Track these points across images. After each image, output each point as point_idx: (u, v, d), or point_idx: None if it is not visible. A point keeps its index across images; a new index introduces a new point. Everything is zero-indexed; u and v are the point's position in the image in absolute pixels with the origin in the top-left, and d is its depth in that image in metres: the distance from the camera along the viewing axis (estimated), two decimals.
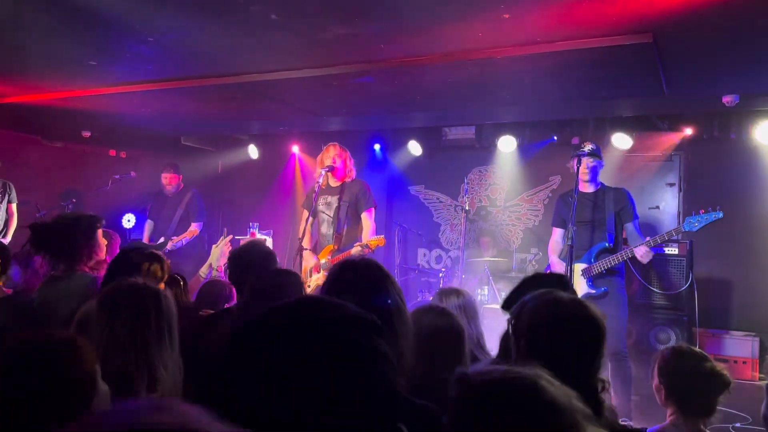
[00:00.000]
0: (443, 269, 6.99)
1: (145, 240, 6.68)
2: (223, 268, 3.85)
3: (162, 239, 6.38)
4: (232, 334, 0.90)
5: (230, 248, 3.78)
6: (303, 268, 4.88)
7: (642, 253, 4.36)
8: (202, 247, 6.75)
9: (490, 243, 7.41)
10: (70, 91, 5.67)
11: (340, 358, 0.83)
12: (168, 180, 6.71)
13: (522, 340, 1.70)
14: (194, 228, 6.58)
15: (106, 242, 3.27)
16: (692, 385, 2.33)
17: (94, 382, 1.48)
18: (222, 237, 3.95)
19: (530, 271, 6.98)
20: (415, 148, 7.48)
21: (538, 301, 1.75)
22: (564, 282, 2.05)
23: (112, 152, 8.54)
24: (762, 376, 5.63)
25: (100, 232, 3.16)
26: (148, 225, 6.80)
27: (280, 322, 0.87)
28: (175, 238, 6.42)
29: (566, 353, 1.63)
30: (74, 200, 6.49)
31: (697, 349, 2.49)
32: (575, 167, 4.56)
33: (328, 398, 0.80)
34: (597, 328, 1.69)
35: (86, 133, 7.53)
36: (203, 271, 3.76)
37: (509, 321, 1.78)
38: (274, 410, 0.79)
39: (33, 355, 1.42)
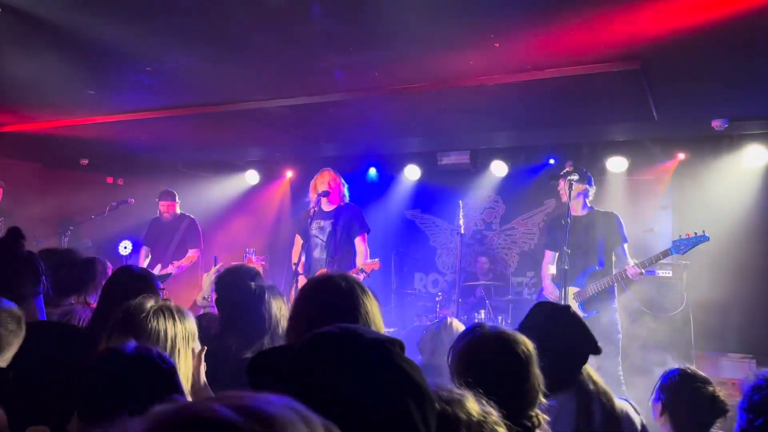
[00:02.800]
0: (440, 293, 7.00)
1: (141, 265, 6.67)
2: (210, 301, 3.86)
3: (166, 269, 6.37)
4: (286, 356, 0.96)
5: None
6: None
7: (632, 272, 4.42)
8: (196, 273, 6.75)
9: (486, 266, 7.43)
10: (68, 119, 5.74)
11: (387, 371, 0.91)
12: (165, 208, 6.73)
13: (452, 377, 1.75)
14: (192, 254, 6.59)
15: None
16: (690, 407, 2.36)
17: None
18: (214, 266, 3.96)
19: (526, 294, 7.00)
20: (410, 172, 7.54)
21: (462, 341, 1.78)
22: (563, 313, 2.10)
23: (110, 179, 8.58)
24: None
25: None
26: (144, 251, 6.79)
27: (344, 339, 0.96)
28: (175, 262, 6.42)
29: (487, 390, 1.60)
30: (71, 228, 6.50)
31: (700, 372, 2.52)
32: (566, 191, 4.62)
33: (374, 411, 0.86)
34: (516, 361, 1.69)
35: (84, 161, 7.59)
36: (199, 299, 3.76)
37: (447, 359, 1.83)
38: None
39: None
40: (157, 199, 6.77)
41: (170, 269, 6.24)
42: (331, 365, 0.90)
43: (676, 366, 2.56)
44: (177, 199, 6.81)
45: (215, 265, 3.97)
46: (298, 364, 0.92)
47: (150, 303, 1.97)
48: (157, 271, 6.31)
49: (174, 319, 1.97)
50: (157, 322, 1.92)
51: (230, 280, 2.78)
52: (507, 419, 1.57)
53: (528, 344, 1.74)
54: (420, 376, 0.93)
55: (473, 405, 1.31)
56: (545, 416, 1.72)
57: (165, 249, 6.64)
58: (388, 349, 0.94)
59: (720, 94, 4.63)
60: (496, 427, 1.31)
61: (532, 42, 3.62)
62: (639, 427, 2.27)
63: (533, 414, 1.68)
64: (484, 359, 1.71)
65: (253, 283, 2.70)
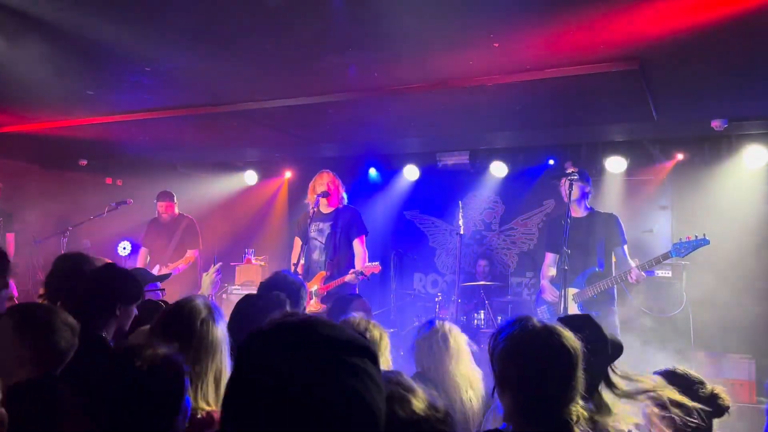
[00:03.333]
0: (439, 294, 7.00)
1: (139, 266, 6.65)
2: (214, 297, 3.86)
3: (165, 269, 6.36)
4: (239, 345, 0.95)
5: (220, 276, 3.79)
6: None
7: (635, 275, 4.41)
8: (195, 273, 6.73)
9: (486, 267, 7.43)
10: (67, 120, 5.73)
11: (328, 375, 0.86)
12: (163, 209, 6.72)
13: (495, 369, 1.74)
14: (190, 255, 6.58)
15: None
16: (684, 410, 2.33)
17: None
18: (212, 265, 3.95)
19: (525, 295, 7.00)
20: (409, 173, 7.54)
21: (509, 330, 1.77)
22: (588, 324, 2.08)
23: (109, 180, 8.58)
24: (761, 399, 5.61)
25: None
26: (143, 252, 6.77)
27: (282, 338, 0.92)
28: (170, 264, 6.42)
29: (532, 384, 1.64)
30: (70, 228, 6.49)
31: (692, 372, 2.49)
32: (564, 192, 4.62)
33: (313, 411, 0.83)
34: (568, 357, 1.68)
35: (83, 162, 7.58)
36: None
37: (488, 350, 1.80)
38: (261, 417, 0.84)
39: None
40: (155, 200, 6.77)
41: (167, 270, 6.23)
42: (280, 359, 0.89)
43: (665, 368, 2.53)
44: (175, 200, 6.80)
45: (214, 265, 3.96)
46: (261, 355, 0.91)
47: None
48: (155, 271, 6.29)
49: None
50: None
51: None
52: (547, 410, 1.60)
53: (575, 340, 1.73)
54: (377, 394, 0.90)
55: (419, 403, 1.31)
56: (585, 413, 1.71)
57: (164, 250, 6.63)
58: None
59: (719, 94, 4.63)
60: (439, 426, 1.31)
61: (532, 42, 3.62)
62: None
63: (574, 410, 1.67)
64: (533, 351, 1.70)
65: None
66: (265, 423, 0.83)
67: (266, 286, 3.20)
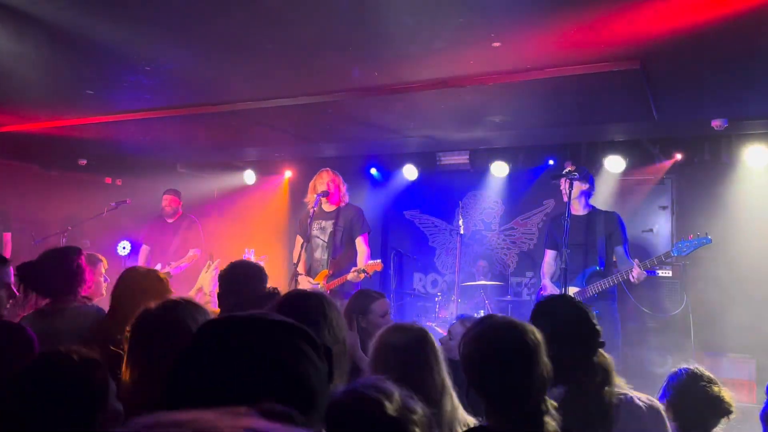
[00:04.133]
0: (439, 293, 6.99)
1: (140, 264, 6.62)
2: (216, 293, 3.86)
3: (165, 269, 6.32)
4: (194, 333, 1.05)
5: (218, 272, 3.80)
6: None
7: (637, 274, 4.41)
8: (198, 272, 6.72)
9: (486, 267, 7.43)
10: (67, 119, 5.72)
11: (267, 353, 0.96)
12: (168, 202, 6.67)
13: (463, 369, 1.81)
14: (193, 254, 6.53)
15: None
16: (695, 406, 2.38)
17: (104, 399, 1.56)
18: (209, 262, 3.95)
19: (525, 295, 7.00)
20: (409, 172, 7.54)
21: (473, 331, 1.84)
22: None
23: (108, 180, 8.56)
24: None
25: (83, 261, 3.15)
26: (144, 250, 6.74)
27: (229, 325, 1.03)
28: (173, 263, 6.39)
29: (496, 380, 1.71)
30: (70, 228, 6.48)
31: (707, 372, 2.53)
32: (566, 190, 4.62)
33: (252, 388, 0.92)
34: (527, 351, 1.73)
35: (82, 161, 7.57)
36: (192, 293, 3.77)
37: (458, 348, 1.87)
38: (206, 393, 0.91)
39: (54, 369, 1.54)
40: (161, 195, 6.75)
41: (170, 269, 6.21)
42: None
43: (685, 365, 2.58)
44: (180, 197, 6.78)
45: (212, 262, 3.96)
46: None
47: None
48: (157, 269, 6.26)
49: None
50: None
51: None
52: (515, 404, 1.67)
53: (536, 333, 1.78)
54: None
55: (391, 405, 1.37)
56: (554, 402, 1.76)
57: (166, 248, 6.59)
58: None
59: (720, 94, 4.63)
60: (413, 427, 1.37)
61: (533, 42, 3.61)
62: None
63: (542, 400, 1.72)
64: (494, 347, 1.76)
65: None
66: (209, 388, 0.92)
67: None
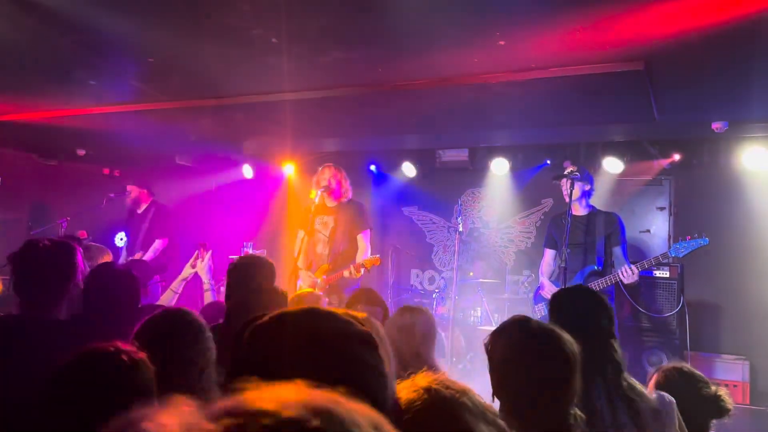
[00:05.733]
0: (436, 290, 7.01)
1: (123, 257, 6.50)
2: (211, 284, 3.87)
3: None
4: (236, 334, 0.98)
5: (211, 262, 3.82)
6: (299, 287, 4.89)
7: (626, 275, 4.45)
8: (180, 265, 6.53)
9: (483, 264, 7.45)
10: (67, 109, 5.70)
11: (333, 368, 0.88)
12: (133, 195, 6.46)
13: (491, 368, 1.74)
14: (157, 245, 6.31)
15: None
16: (691, 407, 2.34)
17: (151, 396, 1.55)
18: (196, 252, 3.93)
19: (522, 293, 7.02)
20: (408, 169, 7.54)
21: (507, 332, 1.77)
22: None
23: (106, 170, 8.54)
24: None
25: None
26: (125, 241, 6.62)
27: (281, 329, 0.94)
28: (137, 255, 6.24)
29: (529, 387, 1.64)
30: (68, 218, 6.44)
31: (697, 372, 2.51)
32: (567, 190, 4.64)
33: None
34: (565, 362, 1.68)
35: (81, 152, 7.54)
36: (174, 285, 3.78)
37: (485, 348, 1.79)
38: None
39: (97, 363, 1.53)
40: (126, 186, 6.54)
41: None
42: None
43: (671, 364, 2.55)
44: (145, 186, 6.52)
45: (206, 251, 3.94)
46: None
47: None
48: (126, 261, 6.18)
49: None
50: None
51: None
52: (544, 415, 1.62)
53: (574, 345, 1.72)
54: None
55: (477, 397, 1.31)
56: (582, 414, 1.70)
57: (135, 238, 6.40)
58: None
59: (722, 96, 4.65)
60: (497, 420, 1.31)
61: (538, 41, 3.62)
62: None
63: (573, 412, 1.67)
64: (531, 354, 1.70)
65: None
66: None
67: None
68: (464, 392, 1.13)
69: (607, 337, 2.20)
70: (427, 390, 1.10)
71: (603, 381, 2.10)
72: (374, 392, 0.90)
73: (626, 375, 2.23)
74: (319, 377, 0.83)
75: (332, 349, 0.91)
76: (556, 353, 1.68)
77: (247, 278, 2.93)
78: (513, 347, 1.73)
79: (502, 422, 1.14)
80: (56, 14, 3.45)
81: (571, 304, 2.27)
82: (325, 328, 0.94)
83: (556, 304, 2.33)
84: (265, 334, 0.95)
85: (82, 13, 3.47)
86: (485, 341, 1.80)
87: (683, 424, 2.21)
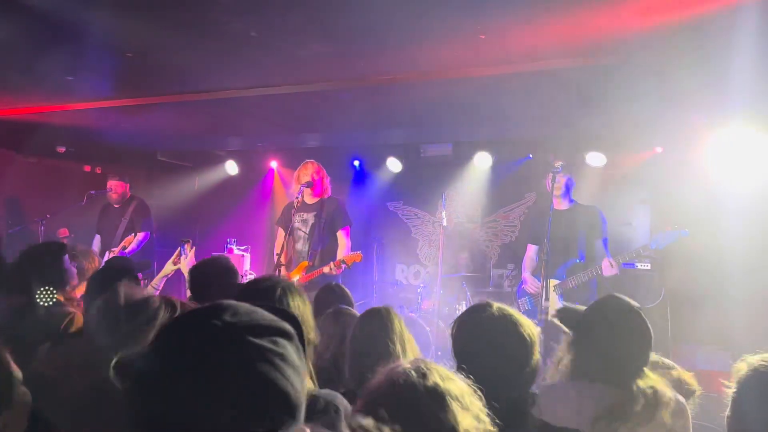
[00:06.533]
0: (421, 285, 7.02)
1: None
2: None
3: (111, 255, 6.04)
4: (157, 332, 0.94)
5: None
6: None
7: (606, 268, 4.49)
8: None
9: (468, 259, 7.47)
10: (46, 105, 5.63)
11: (242, 361, 0.85)
12: (113, 188, 6.29)
13: (454, 353, 1.83)
14: (140, 237, 6.19)
15: None
16: None
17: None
18: (179, 249, 3.88)
19: (506, 287, 7.06)
20: (393, 164, 7.54)
21: (467, 317, 1.87)
22: None
23: (87, 168, 8.44)
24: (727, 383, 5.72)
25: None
26: (97, 240, 6.41)
27: (196, 322, 0.91)
28: (114, 249, 6.14)
29: (487, 368, 1.69)
30: (48, 216, 6.35)
31: (662, 359, 2.54)
32: (549, 184, 4.66)
33: (223, 397, 0.82)
34: (522, 341, 1.76)
35: (61, 148, 7.44)
36: (155, 282, 3.74)
37: (450, 334, 1.88)
38: (167, 405, 0.82)
39: None
40: (107, 180, 6.39)
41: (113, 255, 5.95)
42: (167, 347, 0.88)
43: None
44: (127, 180, 6.40)
45: (191, 248, 3.90)
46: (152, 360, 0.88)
47: None
48: (105, 258, 6.09)
49: None
50: None
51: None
52: (502, 394, 1.65)
53: (532, 327, 1.82)
54: (281, 376, 0.87)
55: (467, 419, 1.33)
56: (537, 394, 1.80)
57: (113, 234, 6.25)
58: (242, 337, 0.88)
59: (699, 89, 4.69)
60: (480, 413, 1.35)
61: (518, 35, 3.63)
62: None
63: (528, 392, 1.76)
64: (489, 337, 1.78)
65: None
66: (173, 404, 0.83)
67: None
68: None
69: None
70: None
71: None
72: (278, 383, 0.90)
73: None
74: None
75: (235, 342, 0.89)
76: (514, 335, 1.76)
77: (210, 279, 2.90)
78: (471, 330, 1.83)
79: None
80: (32, 8, 3.40)
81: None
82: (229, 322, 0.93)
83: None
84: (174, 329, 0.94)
85: (58, 7, 3.42)
86: (449, 329, 1.88)
87: None
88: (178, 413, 0.82)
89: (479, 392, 1.41)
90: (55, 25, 3.63)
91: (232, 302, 0.94)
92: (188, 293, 3.03)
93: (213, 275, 2.93)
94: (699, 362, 5.81)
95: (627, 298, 2.25)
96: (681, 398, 2.26)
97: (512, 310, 1.87)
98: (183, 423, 0.82)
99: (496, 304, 1.88)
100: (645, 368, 2.15)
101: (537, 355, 1.78)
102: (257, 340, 0.87)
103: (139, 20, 3.60)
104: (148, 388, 0.84)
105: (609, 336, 2.12)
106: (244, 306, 0.93)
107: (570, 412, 1.98)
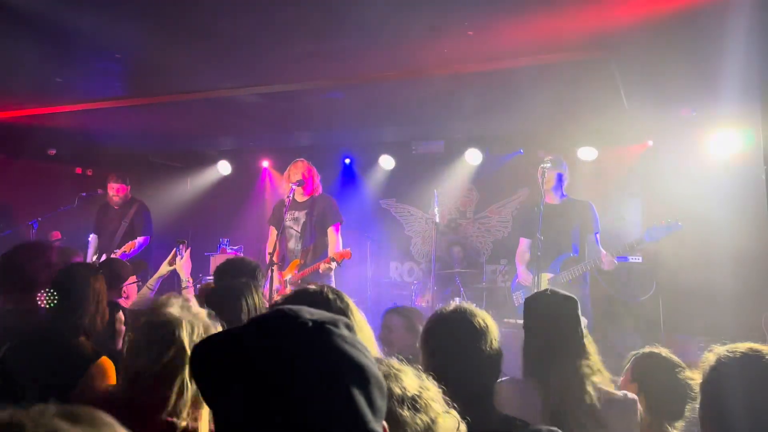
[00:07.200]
0: (415, 281, 7.04)
1: (90, 255, 6.38)
2: (189, 282, 3.83)
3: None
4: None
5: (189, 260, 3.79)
6: (271, 283, 4.87)
7: (607, 262, 4.50)
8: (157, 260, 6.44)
9: (461, 255, 7.48)
10: (35, 108, 5.60)
11: (340, 351, 0.87)
12: (115, 190, 6.27)
13: (423, 356, 1.92)
14: (140, 240, 6.17)
15: None
16: (665, 392, 2.38)
17: None
18: (174, 249, 3.88)
19: (500, 282, 7.08)
20: (385, 162, 7.54)
21: (428, 323, 1.99)
22: None
23: (78, 170, 8.40)
24: None
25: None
26: (93, 239, 6.41)
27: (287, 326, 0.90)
28: (117, 251, 6.13)
29: (445, 362, 1.81)
30: (39, 219, 6.31)
31: (673, 356, 2.54)
32: (540, 179, 4.68)
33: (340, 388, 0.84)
34: (475, 334, 1.85)
35: (51, 151, 7.40)
36: (151, 283, 3.74)
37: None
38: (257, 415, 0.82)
39: None
40: (107, 183, 6.35)
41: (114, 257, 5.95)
42: (268, 353, 0.86)
43: (649, 349, 2.58)
44: (128, 182, 6.37)
45: (186, 248, 3.90)
46: (238, 352, 0.87)
47: None
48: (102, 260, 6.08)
49: None
50: None
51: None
52: (463, 383, 1.70)
53: (486, 317, 1.92)
54: (365, 357, 0.89)
55: (411, 380, 1.35)
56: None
57: (112, 236, 6.24)
58: (328, 330, 0.89)
59: (689, 83, 4.71)
60: (431, 402, 1.36)
61: (506, 30, 3.64)
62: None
63: (491, 385, 1.84)
64: (444, 331, 1.89)
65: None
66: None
67: (222, 271, 3.15)
68: None
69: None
70: None
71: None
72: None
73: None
74: None
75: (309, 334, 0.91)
76: (465, 325, 1.86)
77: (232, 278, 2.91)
78: (431, 328, 1.94)
79: None
80: (19, 10, 3.38)
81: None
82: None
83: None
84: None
85: (46, 8, 3.40)
86: (419, 342, 1.99)
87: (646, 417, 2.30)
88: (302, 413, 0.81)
89: (443, 388, 1.43)
90: (41, 26, 3.61)
91: (293, 306, 0.94)
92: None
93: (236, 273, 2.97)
94: (691, 354, 5.84)
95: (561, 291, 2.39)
96: (631, 395, 2.28)
97: (470, 306, 1.97)
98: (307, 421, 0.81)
99: (455, 304, 2.00)
100: (583, 361, 2.21)
101: (494, 344, 1.86)
102: (338, 330, 0.90)
103: (126, 21, 3.59)
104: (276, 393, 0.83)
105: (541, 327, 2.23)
106: (303, 306, 0.95)
107: (524, 405, 2.05)
